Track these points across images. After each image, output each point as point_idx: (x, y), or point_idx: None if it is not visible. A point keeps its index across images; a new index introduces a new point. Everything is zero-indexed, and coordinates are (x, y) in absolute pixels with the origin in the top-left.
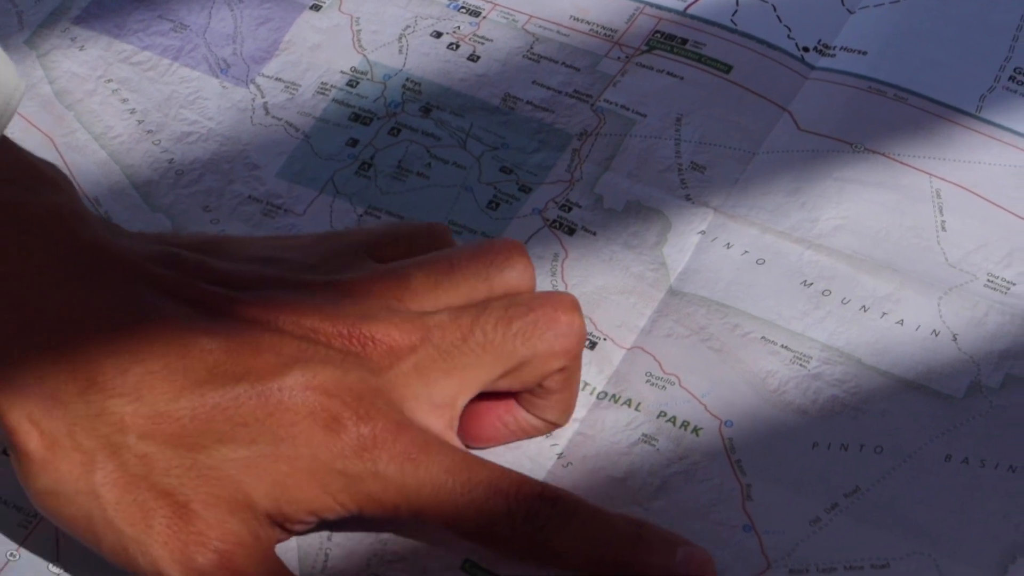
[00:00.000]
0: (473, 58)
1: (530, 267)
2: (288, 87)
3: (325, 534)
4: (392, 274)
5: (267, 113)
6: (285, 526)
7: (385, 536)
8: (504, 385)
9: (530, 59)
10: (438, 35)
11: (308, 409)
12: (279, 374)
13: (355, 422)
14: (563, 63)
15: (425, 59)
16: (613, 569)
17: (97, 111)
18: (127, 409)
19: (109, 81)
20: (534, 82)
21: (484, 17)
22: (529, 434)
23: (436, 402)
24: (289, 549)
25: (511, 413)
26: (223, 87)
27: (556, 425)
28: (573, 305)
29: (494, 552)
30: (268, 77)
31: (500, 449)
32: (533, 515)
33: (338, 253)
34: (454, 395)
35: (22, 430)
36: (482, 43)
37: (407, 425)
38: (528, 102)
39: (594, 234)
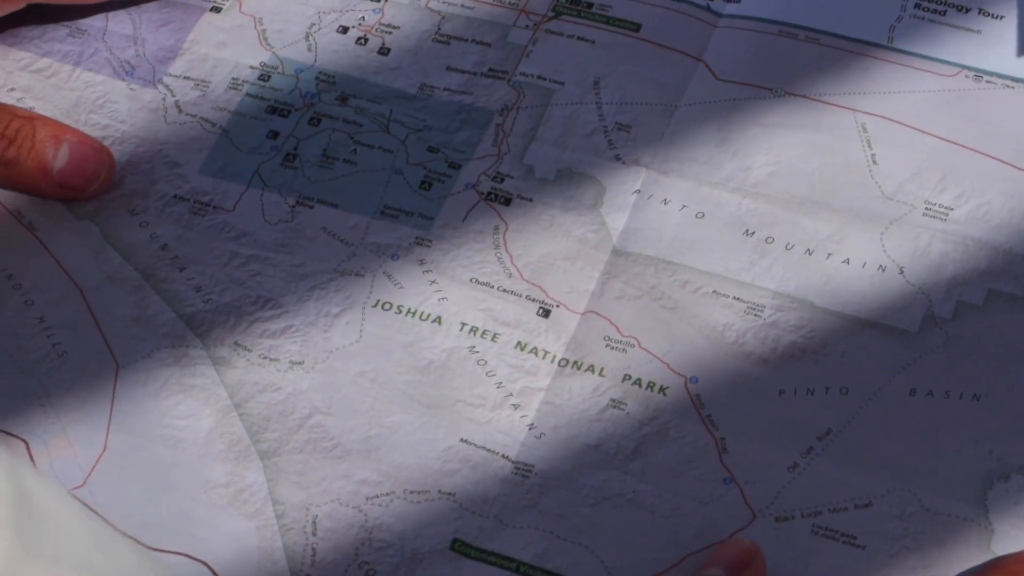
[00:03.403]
0: (383, 51)
1: None
2: (198, 84)
3: (309, 529)
4: None
5: (180, 111)
6: None
7: (370, 524)
8: None
9: (440, 42)
10: (344, 30)
11: None
12: None
13: None
14: (473, 40)
15: (335, 56)
16: None
17: None
18: None
19: (12, 90)
20: (448, 68)
21: (386, 1)
22: None
23: None
24: (276, 549)
25: None
26: (131, 89)
27: None
28: None
29: None
30: (176, 76)
31: (469, 425)
32: None
33: None
34: None
35: None
36: (389, 32)
37: None
38: (445, 88)
39: (531, 201)
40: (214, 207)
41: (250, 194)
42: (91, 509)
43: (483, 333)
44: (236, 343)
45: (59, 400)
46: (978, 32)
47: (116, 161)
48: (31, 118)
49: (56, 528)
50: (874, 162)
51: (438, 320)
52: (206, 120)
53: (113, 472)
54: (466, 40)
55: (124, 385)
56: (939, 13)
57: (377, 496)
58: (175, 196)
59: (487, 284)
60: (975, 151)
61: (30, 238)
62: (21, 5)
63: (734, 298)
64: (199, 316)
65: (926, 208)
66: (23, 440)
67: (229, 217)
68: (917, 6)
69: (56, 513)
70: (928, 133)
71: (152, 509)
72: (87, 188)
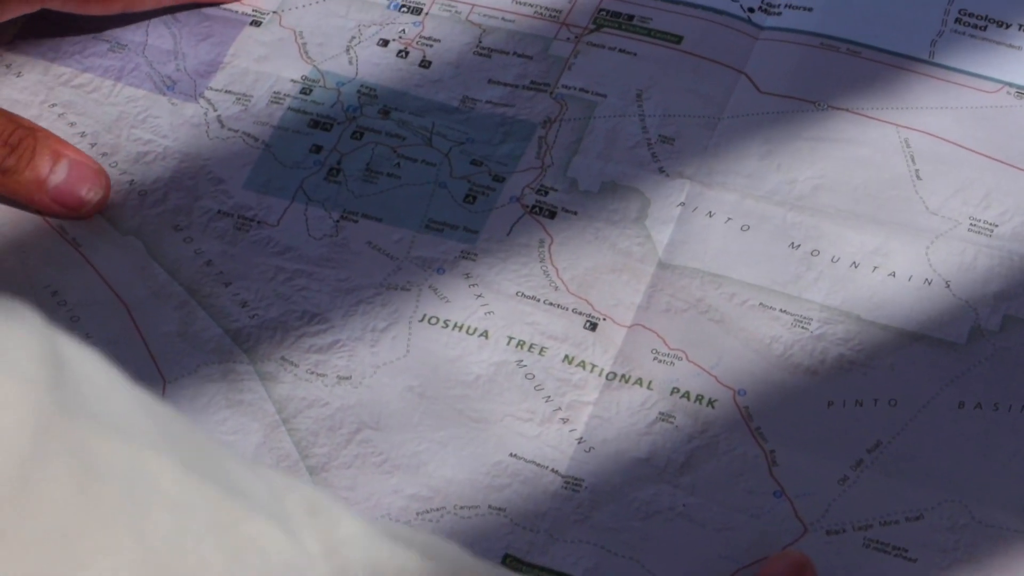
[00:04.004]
0: (424, 64)
1: None
2: (240, 99)
3: None
4: None
5: (222, 126)
6: None
7: None
8: None
9: (481, 55)
10: (385, 43)
11: None
12: None
13: None
14: (514, 53)
15: (377, 68)
16: None
17: None
18: None
19: (53, 105)
20: (490, 80)
21: (426, 14)
22: None
23: None
24: None
25: None
26: (172, 104)
27: None
28: None
29: None
30: (217, 90)
31: (518, 439)
32: None
33: None
34: None
35: None
36: (430, 45)
37: None
38: (487, 101)
39: (575, 214)
40: (258, 222)
41: (294, 209)
42: None
43: (530, 347)
44: (283, 358)
45: None
46: (1019, 48)
47: (159, 177)
48: (34, 130)
49: (95, 390)
50: (918, 177)
51: (485, 334)
52: (248, 135)
53: None
54: (507, 53)
55: (171, 400)
56: (980, 28)
57: (427, 511)
58: (219, 211)
59: (533, 297)
60: (1019, 169)
61: (74, 254)
62: (36, 7)
63: (781, 311)
64: (245, 331)
65: (971, 224)
66: None
67: (274, 232)
68: (958, 20)
69: (95, 377)
70: (971, 150)
71: None
72: (80, 209)
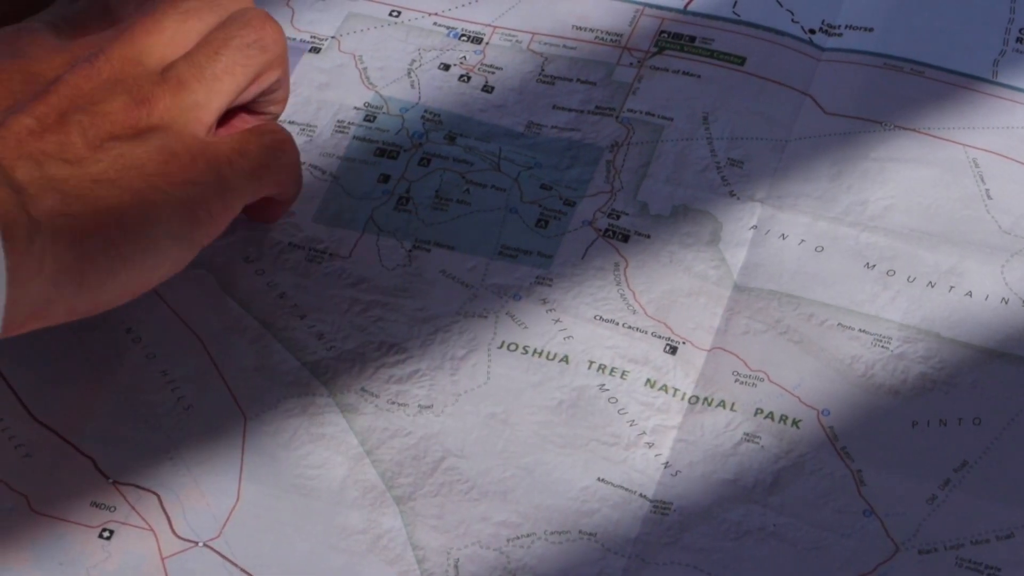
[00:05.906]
0: (487, 89)
1: None
2: (304, 129)
3: (451, 573)
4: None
5: None
6: None
7: (513, 566)
8: (239, 101)
9: (544, 82)
10: (446, 67)
11: None
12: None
13: None
14: (578, 80)
15: (439, 92)
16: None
17: None
18: None
19: None
20: (554, 106)
21: (487, 43)
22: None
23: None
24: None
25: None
26: None
27: (277, 114)
28: (267, 17)
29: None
30: (281, 121)
31: (605, 464)
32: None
33: None
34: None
35: None
36: (492, 72)
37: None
38: (553, 126)
39: (648, 237)
40: (330, 254)
41: (366, 240)
42: (228, 560)
43: (611, 371)
44: (363, 389)
45: (188, 453)
46: None
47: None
48: None
49: None
50: (988, 197)
51: (565, 359)
52: (315, 167)
53: (248, 522)
54: (571, 80)
55: (253, 436)
56: None
57: (518, 537)
58: (290, 244)
59: (612, 321)
60: None
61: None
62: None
63: (860, 330)
64: (323, 363)
65: None
66: (154, 493)
67: (346, 264)
68: (1019, 39)
69: None
70: None
71: (290, 558)
72: None
